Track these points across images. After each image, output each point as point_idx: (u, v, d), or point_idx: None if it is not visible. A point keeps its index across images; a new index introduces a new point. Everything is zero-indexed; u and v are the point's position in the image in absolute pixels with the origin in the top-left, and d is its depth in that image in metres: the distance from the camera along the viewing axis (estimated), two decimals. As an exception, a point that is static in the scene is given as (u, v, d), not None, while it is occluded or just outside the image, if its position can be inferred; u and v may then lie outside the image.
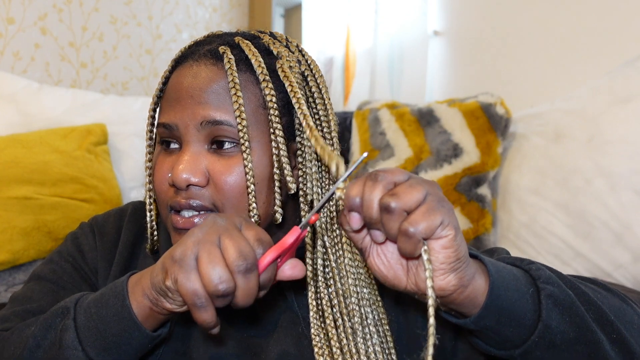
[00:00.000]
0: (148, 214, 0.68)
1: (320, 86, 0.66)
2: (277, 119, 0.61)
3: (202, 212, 0.61)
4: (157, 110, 0.67)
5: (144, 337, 0.53)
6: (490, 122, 1.42)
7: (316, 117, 0.65)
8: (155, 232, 0.68)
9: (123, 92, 2.02)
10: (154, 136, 0.68)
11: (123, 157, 1.60)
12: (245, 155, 0.59)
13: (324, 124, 0.65)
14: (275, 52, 0.64)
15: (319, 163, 0.64)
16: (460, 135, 1.43)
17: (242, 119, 0.59)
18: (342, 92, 2.27)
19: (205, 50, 0.64)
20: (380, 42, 2.12)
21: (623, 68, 1.32)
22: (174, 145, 0.64)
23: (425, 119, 1.50)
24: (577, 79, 1.59)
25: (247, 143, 0.59)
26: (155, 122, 0.67)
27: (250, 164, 0.60)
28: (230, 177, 0.60)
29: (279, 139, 0.61)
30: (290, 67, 0.64)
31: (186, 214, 0.61)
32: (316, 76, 0.66)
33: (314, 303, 0.61)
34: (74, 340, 0.53)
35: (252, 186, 0.60)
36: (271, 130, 0.61)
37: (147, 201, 0.67)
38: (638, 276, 1.17)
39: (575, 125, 1.33)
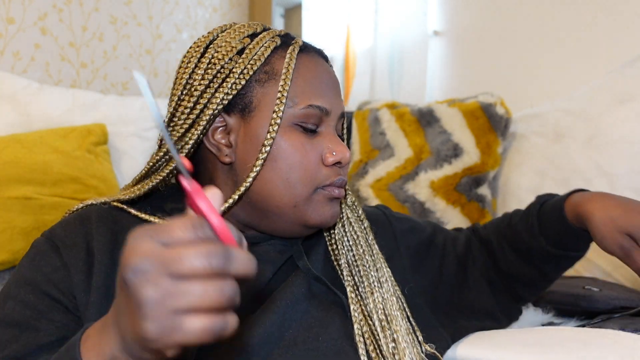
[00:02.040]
0: (235, 197, 0.66)
1: None
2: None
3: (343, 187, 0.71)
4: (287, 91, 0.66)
5: None
6: (490, 122, 1.42)
7: None
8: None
9: (123, 92, 2.01)
10: (279, 114, 0.65)
11: (123, 157, 1.60)
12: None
13: None
14: None
15: None
16: (460, 135, 1.43)
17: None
18: (342, 92, 2.27)
19: (322, 53, 0.73)
20: (380, 42, 2.12)
21: (623, 68, 1.32)
22: (313, 133, 0.68)
23: (425, 119, 1.50)
24: (577, 79, 1.59)
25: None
26: (285, 104, 0.66)
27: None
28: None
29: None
30: None
31: (337, 190, 0.68)
32: None
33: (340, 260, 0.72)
34: None
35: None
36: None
37: (244, 186, 0.65)
38: (638, 276, 1.17)
39: (575, 125, 1.33)
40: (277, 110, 0.65)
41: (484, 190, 1.40)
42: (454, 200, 1.39)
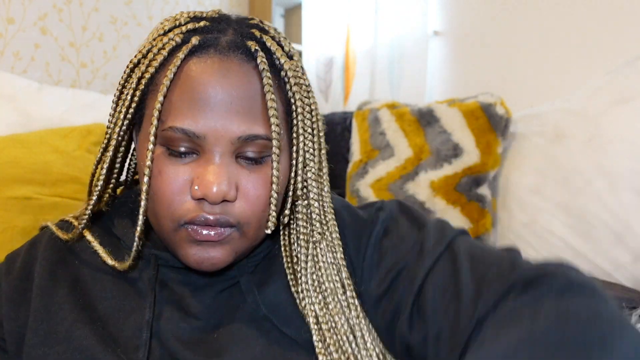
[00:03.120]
0: (141, 218, 0.55)
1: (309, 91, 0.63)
2: (303, 126, 0.59)
3: (226, 228, 0.56)
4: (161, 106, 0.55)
5: None
6: (490, 122, 1.42)
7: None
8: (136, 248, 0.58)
9: (123, 92, 2.01)
10: (154, 135, 0.56)
11: (123, 157, 1.60)
12: (275, 165, 0.55)
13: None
14: (287, 49, 0.60)
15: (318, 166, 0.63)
16: (460, 135, 1.43)
17: (277, 125, 0.55)
18: (342, 92, 2.27)
19: (229, 41, 0.56)
20: (380, 42, 2.12)
21: (623, 68, 1.32)
22: (190, 156, 0.55)
23: (425, 119, 1.50)
24: (577, 79, 1.59)
25: (277, 152, 0.55)
26: (157, 122, 0.55)
27: (277, 173, 0.56)
28: (262, 191, 0.56)
29: (306, 143, 0.60)
30: (302, 67, 0.61)
31: (205, 231, 0.55)
32: (309, 88, 0.63)
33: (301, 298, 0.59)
34: None
35: (275, 195, 0.56)
36: (295, 136, 0.59)
37: (142, 210, 0.56)
38: (638, 276, 1.17)
39: (575, 125, 1.33)
40: (150, 130, 0.54)
41: (484, 190, 1.40)
42: (453, 200, 1.39)
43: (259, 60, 0.55)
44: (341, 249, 0.62)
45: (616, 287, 1.09)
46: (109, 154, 0.59)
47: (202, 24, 0.57)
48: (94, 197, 0.61)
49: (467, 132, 1.43)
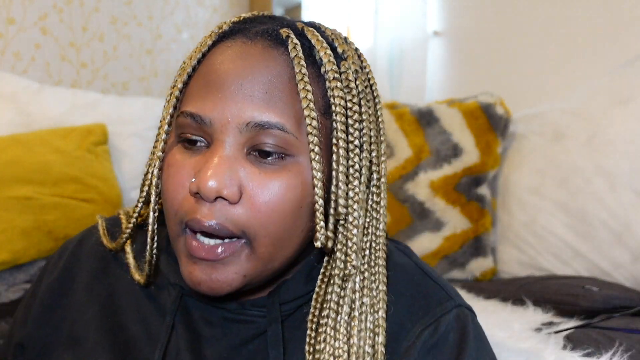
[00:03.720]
0: (150, 227, 0.52)
1: (378, 107, 0.54)
2: (344, 129, 0.49)
3: (227, 240, 0.47)
4: (181, 93, 0.51)
5: None
6: (490, 122, 1.42)
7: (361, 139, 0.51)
8: (154, 256, 0.53)
9: (123, 92, 2.02)
10: (169, 125, 0.52)
11: (123, 157, 1.60)
12: (316, 165, 0.47)
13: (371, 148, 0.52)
14: (340, 50, 0.52)
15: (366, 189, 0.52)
16: (460, 135, 1.43)
17: (312, 118, 0.47)
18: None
19: (260, 29, 0.50)
20: (380, 42, 2.12)
21: (623, 68, 1.32)
22: (200, 144, 0.49)
23: (425, 119, 1.50)
24: (577, 79, 1.59)
25: (317, 149, 0.47)
26: (176, 108, 0.51)
27: (319, 175, 0.47)
28: (272, 198, 0.47)
29: (341, 151, 0.48)
30: (355, 70, 0.51)
31: (206, 240, 0.47)
32: (375, 91, 0.54)
33: None
34: None
35: (320, 201, 0.47)
36: (335, 141, 0.49)
37: (152, 207, 0.52)
38: (638, 276, 1.17)
39: (575, 125, 1.33)
40: (163, 121, 0.51)
41: (483, 190, 1.40)
42: (453, 200, 1.39)
43: (290, 47, 0.49)
44: (385, 296, 0.50)
45: (616, 286, 1.09)
46: (158, 152, 0.51)
47: (249, 16, 0.54)
48: (141, 201, 0.54)
49: (466, 132, 1.43)
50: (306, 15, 2.38)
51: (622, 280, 1.18)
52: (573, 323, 0.94)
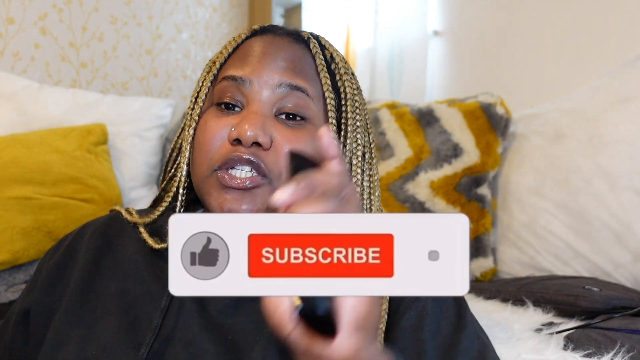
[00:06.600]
0: (181, 191, 0.61)
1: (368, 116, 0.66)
2: (353, 110, 0.62)
3: (256, 175, 0.56)
4: (218, 69, 0.62)
5: None
6: (490, 122, 1.42)
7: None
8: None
9: (123, 92, 2.01)
10: (204, 95, 0.62)
11: (123, 157, 1.60)
12: (332, 127, 0.59)
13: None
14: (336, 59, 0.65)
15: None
16: (460, 135, 1.43)
17: (331, 98, 0.60)
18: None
19: (285, 30, 0.64)
20: (380, 42, 2.12)
21: (623, 68, 1.32)
22: (236, 109, 0.59)
23: (425, 119, 1.50)
24: (577, 79, 1.59)
25: (333, 122, 0.59)
26: (211, 80, 0.62)
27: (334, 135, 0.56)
28: (297, 146, 0.57)
29: (349, 128, 0.62)
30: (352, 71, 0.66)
31: (239, 173, 0.56)
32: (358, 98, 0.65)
33: None
34: None
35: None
36: (343, 120, 0.62)
37: (183, 172, 0.61)
38: (638, 276, 1.17)
39: (575, 125, 1.33)
40: (200, 93, 0.62)
41: (483, 190, 1.40)
42: (453, 200, 1.39)
43: (311, 45, 0.62)
44: None
45: (616, 287, 1.09)
46: (187, 144, 0.61)
47: (267, 26, 0.65)
48: (181, 190, 0.61)
49: (467, 132, 1.43)
50: (306, 15, 2.38)
51: (623, 281, 1.18)
52: (573, 323, 0.94)
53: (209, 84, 0.62)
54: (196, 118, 0.61)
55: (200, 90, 0.62)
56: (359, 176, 0.60)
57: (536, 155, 1.38)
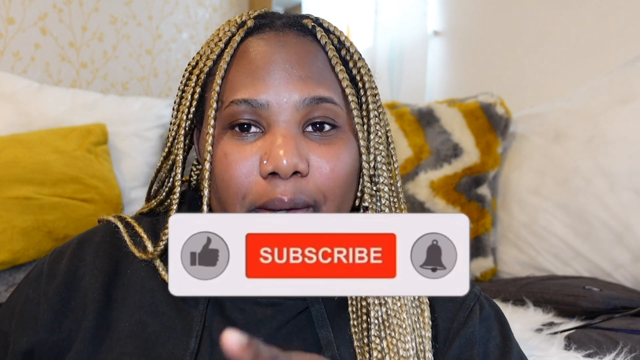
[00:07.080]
0: (205, 208, 0.54)
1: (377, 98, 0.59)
2: (374, 101, 0.56)
3: (300, 208, 0.51)
4: (220, 86, 0.53)
5: None
6: (490, 122, 1.42)
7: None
8: None
9: (123, 92, 2.01)
10: (214, 118, 0.53)
11: (123, 157, 1.60)
12: (360, 134, 0.53)
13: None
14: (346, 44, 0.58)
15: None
16: (460, 135, 1.43)
17: (353, 95, 0.53)
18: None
19: (284, 21, 0.56)
20: (380, 42, 2.12)
21: (623, 68, 1.32)
22: (255, 129, 0.52)
23: (425, 119, 1.50)
24: (577, 79, 1.59)
25: (360, 121, 0.53)
26: (217, 103, 0.53)
27: (364, 143, 0.53)
28: (336, 164, 0.51)
29: (372, 121, 0.55)
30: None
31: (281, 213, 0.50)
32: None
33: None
34: None
35: (367, 166, 0.53)
36: (365, 113, 0.56)
37: (205, 200, 0.52)
38: (638, 276, 1.17)
39: (575, 125, 1.33)
40: (209, 117, 0.53)
41: (483, 190, 1.40)
42: (453, 200, 1.39)
43: (319, 35, 0.55)
44: None
45: (616, 287, 1.09)
46: (181, 152, 0.56)
47: (255, 13, 0.57)
48: (175, 201, 0.55)
49: (467, 132, 1.43)
50: (306, 15, 2.38)
51: (623, 281, 1.18)
52: (574, 323, 0.94)
53: (214, 111, 0.53)
54: (209, 149, 0.52)
55: (213, 115, 0.53)
56: (385, 174, 0.55)
57: (536, 155, 1.38)
